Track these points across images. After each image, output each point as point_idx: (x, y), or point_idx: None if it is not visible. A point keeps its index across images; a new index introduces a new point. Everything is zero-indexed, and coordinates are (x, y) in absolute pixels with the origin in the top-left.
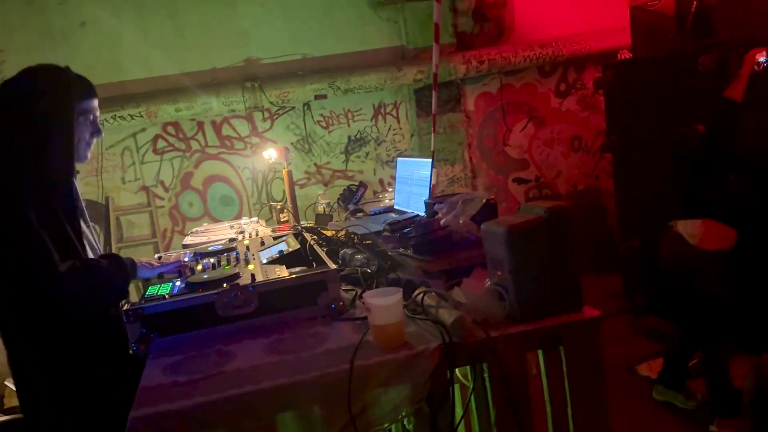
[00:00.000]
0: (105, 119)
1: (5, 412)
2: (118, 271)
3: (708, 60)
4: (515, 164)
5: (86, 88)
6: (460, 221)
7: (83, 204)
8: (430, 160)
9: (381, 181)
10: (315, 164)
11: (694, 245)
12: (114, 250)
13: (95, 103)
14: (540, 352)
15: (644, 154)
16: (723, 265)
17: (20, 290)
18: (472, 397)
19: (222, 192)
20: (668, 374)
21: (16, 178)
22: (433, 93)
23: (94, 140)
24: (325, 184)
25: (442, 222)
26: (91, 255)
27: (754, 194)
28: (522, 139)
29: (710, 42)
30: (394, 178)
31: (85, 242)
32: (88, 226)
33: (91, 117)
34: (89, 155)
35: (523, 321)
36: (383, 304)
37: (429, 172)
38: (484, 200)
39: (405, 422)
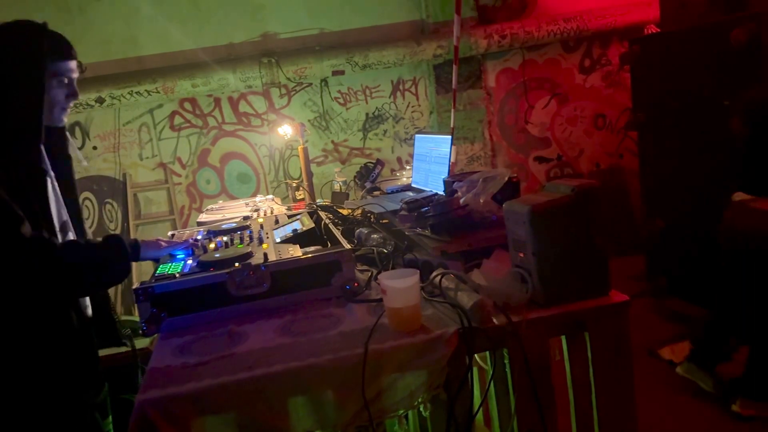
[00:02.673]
0: (122, 95)
1: None
2: (111, 254)
3: (740, 33)
4: (537, 142)
5: (62, 48)
6: (481, 200)
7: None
8: (449, 136)
9: (399, 159)
10: (332, 142)
11: None
12: (132, 227)
13: (72, 64)
14: (563, 338)
15: (672, 132)
16: None
17: None
18: (492, 383)
19: (239, 169)
20: (702, 354)
21: None
22: (454, 67)
23: (71, 103)
24: (343, 162)
25: (461, 201)
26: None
27: None
28: (544, 117)
29: (743, 14)
30: (411, 155)
31: (55, 220)
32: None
33: (66, 79)
34: (65, 119)
35: (546, 305)
36: (400, 286)
37: (448, 149)
38: (506, 178)
39: (421, 409)
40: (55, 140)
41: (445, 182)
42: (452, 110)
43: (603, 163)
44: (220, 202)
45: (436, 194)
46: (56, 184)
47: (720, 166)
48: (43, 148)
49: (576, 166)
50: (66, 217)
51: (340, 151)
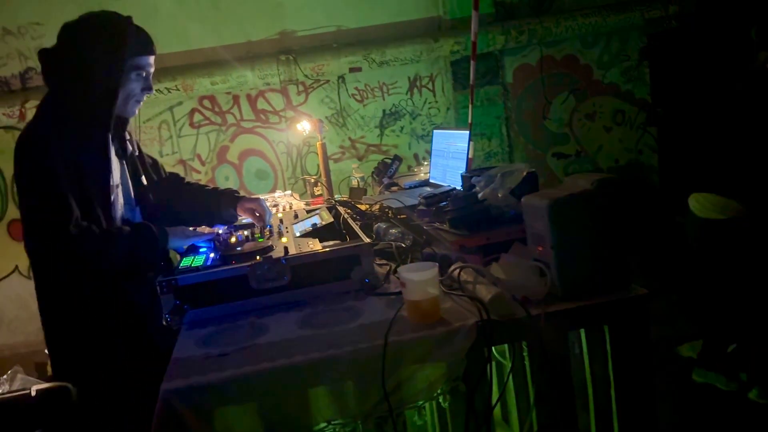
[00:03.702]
0: None
1: (49, 380)
2: (141, 242)
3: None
4: (555, 138)
5: (144, 43)
6: (499, 195)
7: (138, 158)
8: (467, 131)
9: (416, 156)
10: (349, 138)
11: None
12: None
13: (151, 59)
14: (582, 332)
15: (691, 127)
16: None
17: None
18: (510, 376)
19: (257, 166)
20: (709, 355)
21: (50, 125)
22: (471, 63)
23: (144, 97)
24: (360, 159)
25: (480, 195)
26: (121, 213)
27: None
28: (562, 113)
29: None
30: (428, 152)
31: (115, 202)
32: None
33: (144, 73)
34: (137, 111)
35: (565, 299)
36: (419, 278)
37: (466, 144)
38: (525, 173)
39: (440, 400)
40: (121, 128)
41: (462, 177)
42: (470, 106)
43: (622, 159)
44: None
45: (454, 189)
46: (126, 169)
47: (740, 161)
48: (110, 137)
49: (595, 162)
50: (128, 211)
51: (357, 148)
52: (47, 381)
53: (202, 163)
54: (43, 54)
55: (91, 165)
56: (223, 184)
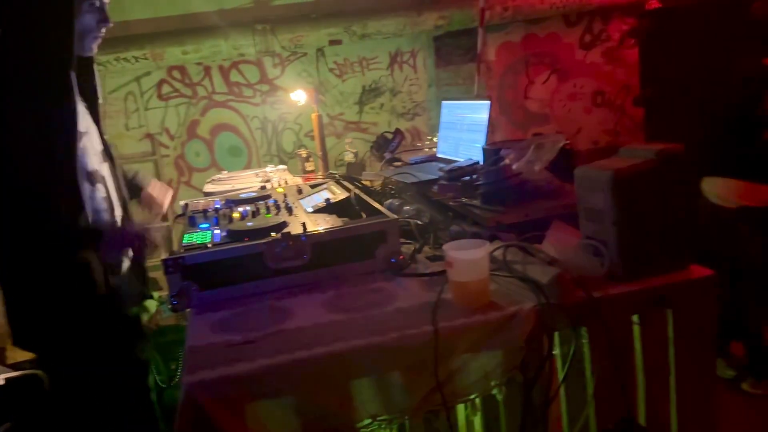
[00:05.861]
0: (108, 61)
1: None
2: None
3: (764, 5)
4: (535, 119)
5: None
6: (536, 168)
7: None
8: (487, 101)
9: None
10: (327, 115)
11: (718, 204)
12: None
13: None
14: (636, 317)
15: (680, 108)
16: (755, 224)
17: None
18: (567, 366)
19: (230, 142)
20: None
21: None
22: (479, 30)
23: (103, 30)
24: (338, 137)
25: (514, 168)
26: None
27: None
28: (543, 93)
29: None
30: (409, 130)
31: (84, 151)
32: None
33: (98, 2)
34: (95, 48)
35: (627, 280)
36: (469, 258)
37: (485, 116)
38: (562, 144)
39: (495, 392)
40: (83, 71)
41: (485, 150)
42: (476, 76)
43: (601, 141)
44: (225, 172)
45: (477, 162)
46: (89, 119)
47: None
48: (74, 77)
49: (574, 143)
50: (96, 163)
51: (335, 125)
52: (12, 368)
53: (171, 138)
54: None
55: (55, 111)
56: (193, 161)
